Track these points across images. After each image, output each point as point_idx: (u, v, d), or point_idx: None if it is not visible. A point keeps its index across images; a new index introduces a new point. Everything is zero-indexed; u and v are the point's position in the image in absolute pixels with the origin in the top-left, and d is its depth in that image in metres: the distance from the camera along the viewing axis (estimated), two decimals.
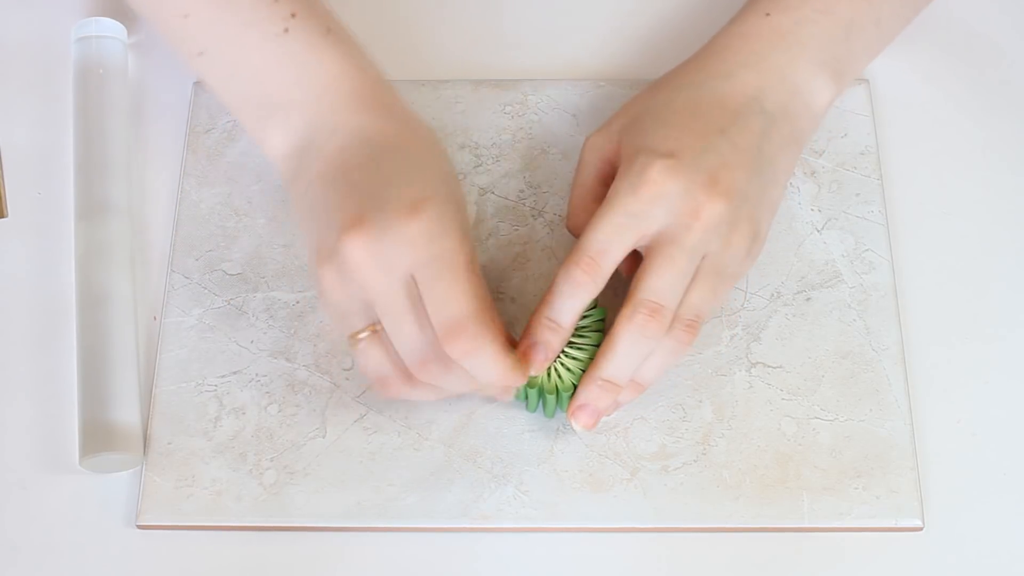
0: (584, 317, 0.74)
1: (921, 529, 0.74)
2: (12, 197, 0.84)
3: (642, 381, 0.73)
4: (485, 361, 0.67)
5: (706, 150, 0.71)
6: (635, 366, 0.71)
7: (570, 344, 0.73)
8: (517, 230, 0.82)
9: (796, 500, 0.74)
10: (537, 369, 0.71)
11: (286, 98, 0.72)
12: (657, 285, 0.70)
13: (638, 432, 0.76)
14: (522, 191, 0.83)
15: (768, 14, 0.76)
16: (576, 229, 0.76)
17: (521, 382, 0.70)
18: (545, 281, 0.80)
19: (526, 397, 0.74)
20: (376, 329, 0.69)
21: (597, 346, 0.73)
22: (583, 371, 0.73)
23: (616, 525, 0.74)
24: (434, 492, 0.74)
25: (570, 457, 0.75)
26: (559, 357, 0.73)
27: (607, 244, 0.70)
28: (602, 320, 0.74)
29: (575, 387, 0.73)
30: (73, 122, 0.85)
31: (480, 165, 0.84)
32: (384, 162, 0.69)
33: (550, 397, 0.73)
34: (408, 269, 0.66)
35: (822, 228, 0.81)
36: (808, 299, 0.79)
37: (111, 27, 0.87)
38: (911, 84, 0.87)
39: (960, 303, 0.80)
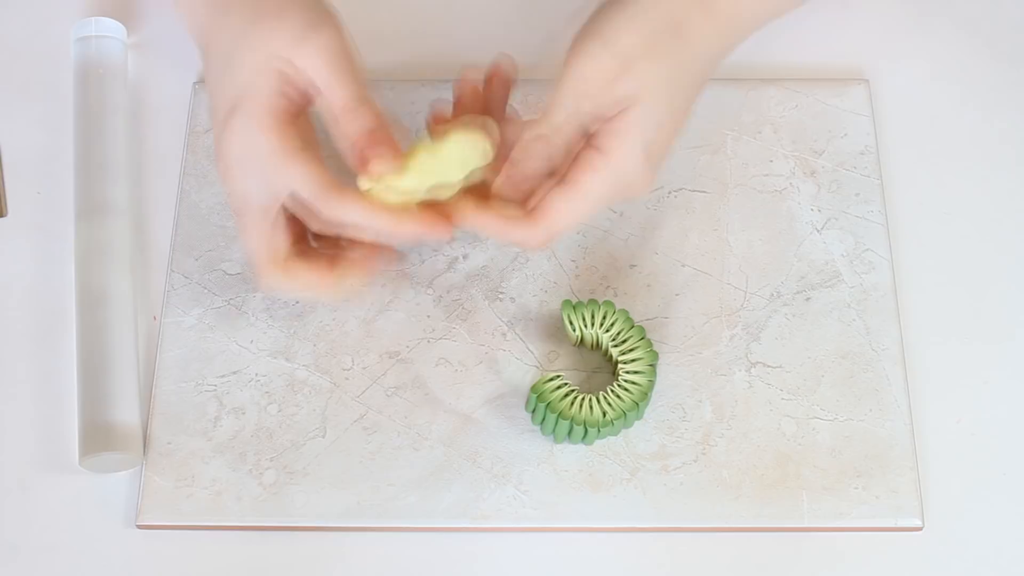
0: (629, 341, 0.75)
1: (921, 529, 0.74)
2: (12, 197, 0.84)
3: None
4: (360, 211, 0.70)
5: (668, 143, 0.74)
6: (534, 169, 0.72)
7: (617, 381, 0.74)
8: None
9: (796, 500, 0.74)
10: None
11: None
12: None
13: (638, 432, 0.76)
14: None
15: None
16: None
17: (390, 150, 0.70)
18: (545, 281, 0.80)
19: (543, 419, 0.74)
20: None
21: (643, 389, 0.74)
22: (625, 412, 0.73)
23: (616, 525, 0.74)
24: (434, 492, 0.74)
25: (570, 457, 0.75)
26: (604, 393, 0.74)
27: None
28: (651, 352, 0.75)
29: (611, 423, 0.73)
30: (73, 122, 0.85)
31: None
32: (222, 29, 0.73)
33: (577, 428, 0.73)
34: (258, 172, 0.71)
35: (822, 228, 0.81)
36: (808, 299, 0.79)
37: (111, 27, 0.87)
38: (911, 84, 0.87)
39: (960, 303, 0.80)
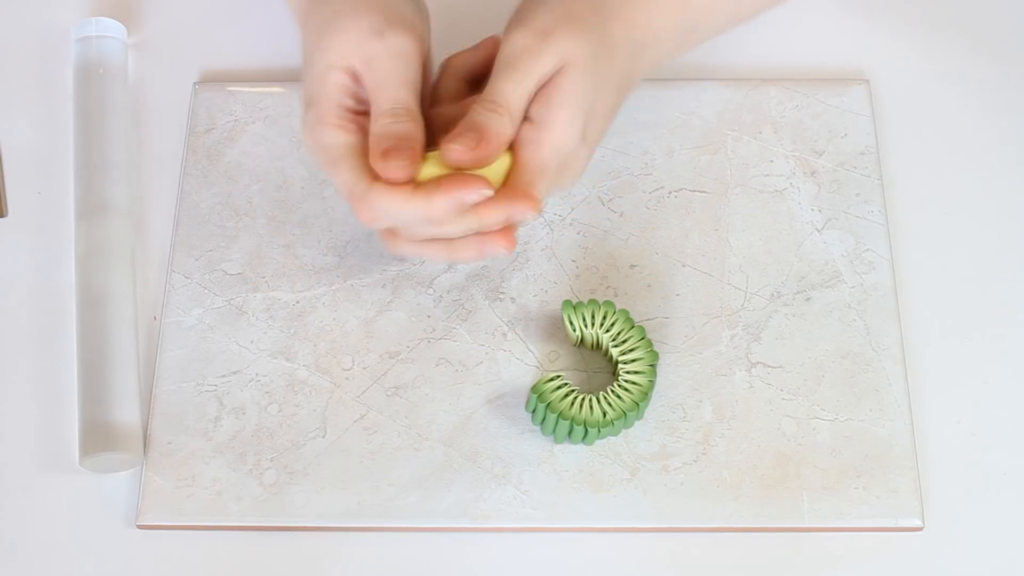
0: (629, 341, 0.75)
1: (921, 529, 0.74)
2: (12, 197, 0.84)
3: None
4: (393, 212, 0.70)
5: (604, 125, 0.75)
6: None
7: (617, 381, 0.74)
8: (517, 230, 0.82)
9: (796, 500, 0.74)
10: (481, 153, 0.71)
11: None
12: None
13: (638, 432, 0.76)
14: None
15: None
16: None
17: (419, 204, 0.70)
18: (545, 281, 0.80)
19: (543, 419, 0.74)
20: None
21: (643, 389, 0.74)
22: (625, 412, 0.73)
23: (616, 525, 0.74)
24: (434, 492, 0.74)
25: (570, 457, 0.75)
26: (604, 393, 0.74)
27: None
28: (651, 352, 0.75)
29: (611, 423, 0.73)
30: (73, 122, 0.85)
31: None
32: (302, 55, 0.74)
33: (577, 428, 0.73)
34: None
35: (822, 228, 0.81)
36: (808, 299, 0.79)
37: (111, 27, 0.87)
38: (911, 84, 0.87)
39: (960, 303, 0.80)
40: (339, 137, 0.71)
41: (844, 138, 0.84)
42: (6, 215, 0.84)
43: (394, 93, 0.71)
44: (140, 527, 0.74)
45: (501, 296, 0.80)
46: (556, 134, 0.71)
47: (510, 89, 0.71)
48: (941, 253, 0.81)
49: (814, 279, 0.80)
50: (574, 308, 0.76)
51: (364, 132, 0.72)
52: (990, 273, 0.81)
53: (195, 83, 0.87)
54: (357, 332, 0.79)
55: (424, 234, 0.72)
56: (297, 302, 0.80)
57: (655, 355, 0.75)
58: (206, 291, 0.80)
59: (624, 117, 0.85)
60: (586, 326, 0.76)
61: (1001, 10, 0.89)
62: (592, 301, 0.76)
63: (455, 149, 0.70)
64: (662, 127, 0.85)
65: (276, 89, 0.86)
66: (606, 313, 0.76)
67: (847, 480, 0.74)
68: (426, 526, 0.74)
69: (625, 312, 0.76)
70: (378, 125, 0.71)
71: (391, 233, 0.73)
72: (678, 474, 0.75)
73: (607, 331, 0.75)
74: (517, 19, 0.73)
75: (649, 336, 0.76)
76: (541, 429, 0.75)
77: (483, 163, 0.70)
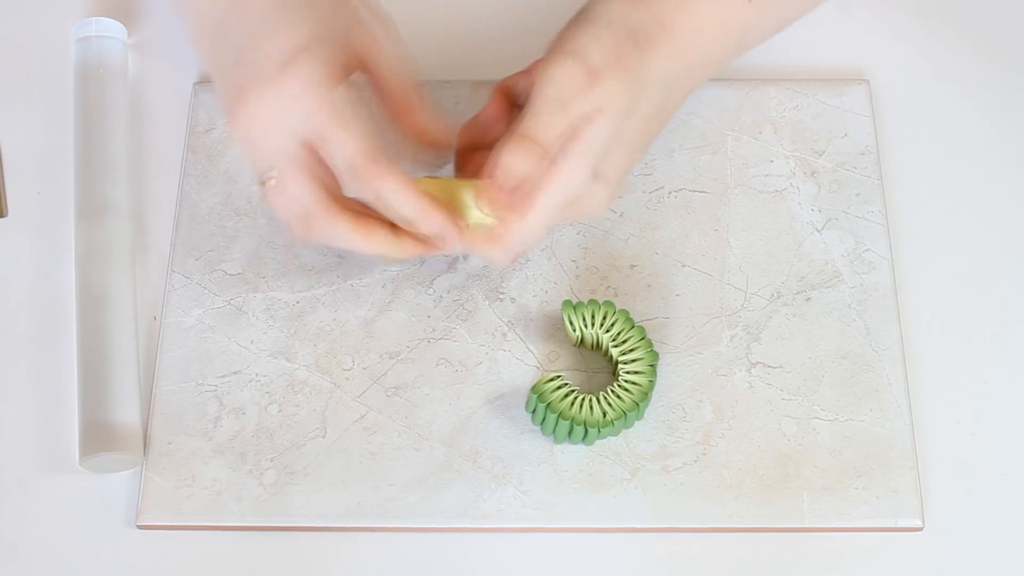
0: (629, 341, 0.75)
1: (921, 529, 0.74)
2: (12, 197, 0.84)
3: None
4: (390, 193, 0.70)
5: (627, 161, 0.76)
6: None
7: (617, 381, 0.74)
8: None
9: (796, 500, 0.74)
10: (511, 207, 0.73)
11: None
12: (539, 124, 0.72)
13: (638, 432, 0.76)
14: None
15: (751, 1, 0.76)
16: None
17: (436, 215, 0.71)
18: (545, 281, 0.80)
19: (543, 419, 0.74)
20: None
21: (643, 389, 0.74)
22: (625, 412, 0.73)
23: (616, 525, 0.74)
24: (434, 492, 0.74)
25: (570, 457, 0.75)
26: (604, 393, 0.74)
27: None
28: (651, 352, 0.75)
29: (611, 423, 0.73)
30: (73, 122, 0.85)
31: None
32: (249, 6, 0.72)
33: (577, 428, 0.73)
34: (294, 127, 0.70)
35: (822, 228, 0.81)
36: (808, 299, 0.79)
37: (111, 27, 0.87)
38: (911, 84, 0.86)
39: (960, 303, 0.80)
40: (350, 96, 0.71)
41: (844, 138, 0.84)
42: (6, 215, 0.84)
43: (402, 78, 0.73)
44: (140, 527, 0.74)
45: (501, 296, 0.80)
46: (567, 180, 0.71)
47: (556, 128, 0.71)
48: (941, 253, 0.81)
49: (814, 279, 0.80)
50: (574, 308, 0.76)
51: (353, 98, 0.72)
52: (990, 273, 0.81)
53: (195, 83, 0.87)
54: (357, 332, 0.79)
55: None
56: (297, 302, 0.80)
57: (655, 355, 0.75)
58: (206, 291, 0.80)
59: None
60: (586, 326, 0.76)
61: (1001, 10, 0.89)
62: (592, 301, 0.76)
63: (492, 199, 0.72)
64: None
65: None
66: (606, 313, 0.76)
67: (847, 480, 0.74)
68: (426, 526, 0.74)
69: (625, 312, 0.76)
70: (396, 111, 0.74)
71: (365, 213, 0.73)
72: (678, 474, 0.75)
73: (607, 331, 0.75)
74: (565, 46, 0.73)
75: (649, 336, 0.76)
76: (541, 429, 0.75)
77: (514, 210, 0.72)
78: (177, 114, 0.86)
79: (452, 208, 0.73)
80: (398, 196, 0.71)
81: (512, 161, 0.71)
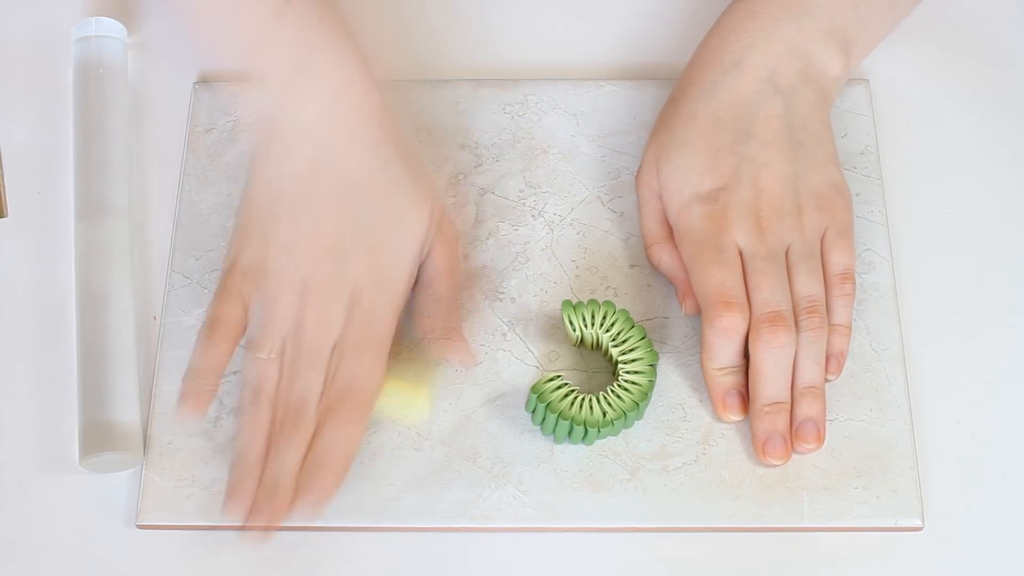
0: (629, 341, 0.75)
1: (921, 529, 0.74)
2: (12, 197, 0.84)
3: (811, 384, 0.74)
4: (345, 436, 0.72)
5: (740, 167, 0.74)
6: (785, 378, 0.73)
7: (617, 381, 0.74)
8: (517, 230, 0.82)
9: (796, 500, 0.74)
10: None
11: (289, 76, 0.74)
12: (761, 298, 0.73)
13: (638, 432, 0.76)
14: (522, 191, 0.83)
15: None
16: (660, 264, 0.79)
17: (333, 479, 0.72)
18: (545, 281, 0.80)
19: (543, 419, 0.74)
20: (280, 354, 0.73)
21: (643, 389, 0.74)
22: (625, 412, 0.73)
23: (616, 525, 0.74)
24: (434, 492, 0.74)
25: (570, 457, 0.75)
26: (604, 393, 0.74)
27: (722, 279, 0.73)
28: (651, 352, 0.75)
29: (611, 423, 0.73)
30: (73, 122, 0.85)
31: (480, 165, 0.84)
32: (350, 212, 0.74)
33: (577, 428, 0.73)
34: (335, 337, 0.73)
35: None
36: None
37: (111, 27, 0.87)
38: (911, 84, 0.86)
39: (960, 303, 0.80)
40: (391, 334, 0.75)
41: (844, 138, 0.84)
42: (6, 215, 0.83)
43: (450, 283, 0.77)
44: (140, 527, 0.74)
45: (501, 296, 0.80)
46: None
47: (644, 225, 0.80)
48: (941, 253, 0.81)
49: None
50: (574, 308, 0.76)
51: None
52: (990, 273, 0.81)
53: (195, 83, 0.87)
54: None
55: None
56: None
57: (655, 355, 0.75)
58: (206, 291, 0.80)
59: (624, 117, 0.85)
60: (586, 326, 0.76)
61: (1001, 11, 0.89)
62: (592, 301, 0.76)
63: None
64: None
65: None
66: (606, 313, 0.76)
67: (847, 480, 0.74)
68: (426, 526, 0.74)
69: (625, 312, 0.76)
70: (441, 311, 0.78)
71: None
72: (678, 474, 0.75)
73: (607, 331, 0.75)
74: (704, 188, 0.75)
75: (649, 336, 0.76)
76: (541, 429, 0.75)
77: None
78: (177, 114, 0.86)
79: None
80: (344, 446, 0.72)
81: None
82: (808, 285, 0.74)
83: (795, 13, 0.75)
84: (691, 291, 0.76)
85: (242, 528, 0.71)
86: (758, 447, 0.73)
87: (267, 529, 0.70)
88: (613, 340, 0.75)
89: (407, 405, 0.75)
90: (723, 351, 0.73)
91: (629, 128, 0.84)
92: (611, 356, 0.76)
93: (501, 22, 0.90)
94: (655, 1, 0.90)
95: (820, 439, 0.73)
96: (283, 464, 0.71)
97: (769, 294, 0.73)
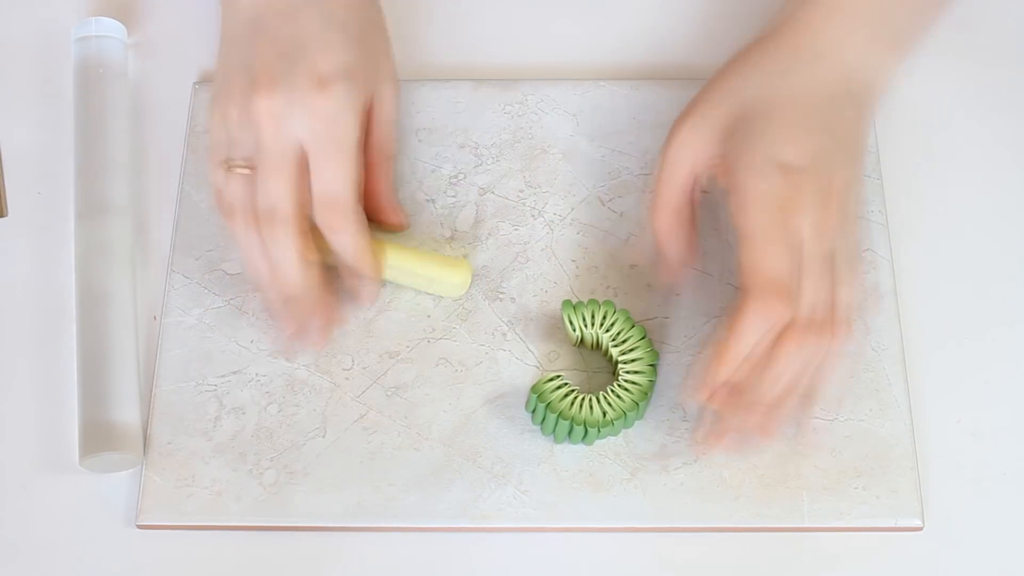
0: (629, 341, 0.75)
1: (921, 529, 0.74)
2: (12, 197, 0.84)
3: (803, 390, 0.72)
4: (348, 239, 0.74)
5: (819, 155, 0.71)
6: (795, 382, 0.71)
7: (617, 381, 0.74)
8: (517, 230, 0.82)
9: (796, 500, 0.74)
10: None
11: None
12: (811, 300, 0.70)
13: (638, 432, 0.76)
14: (522, 191, 0.83)
15: None
16: (661, 229, 0.75)
17: (372, 274, 0.76)
18: (545, 281, 0.80)
19: (543, 419, 0.74)
20: (252, 168, 0.73)
21: (643, 389, 0.74)
22: (625, 412, 0.73)
23: (616, 525, 0.74)
24: (434, 492, 0.74)
25: (570, 457, 0.75)
26: (604, 393, 0.74)
27: (782, 264, 0.69)
28: (651, 352, 0.75)
29: (611, 423, 0.73)
30: (73, 122, 0.85)
31: (480, 165, 0.84)
32: (304, 14, 0.74)
33: (577, 428, 0.73)
34: (302, 137, 0.73)
35: None
36: None
37: (111, 27, 0.87)
38: (911, 84, 0.86)
39: (960, 303, 0.80)
40: (359, 134, 0.75)
41: None
42: (6, 215, 0.84)
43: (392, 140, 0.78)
44: (140, 527, 0.74)
45: (501, 296, 0.80)
46: (743, 185, 0.71)
47: (661, 178, 0.75)
48: (941, 253, 0.81)
49: None
50: (574, 308, 0.76)
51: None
52: (990, 273, 0.81)
53: (195, 83, 0.87)
54: (357, 332, 0.79)
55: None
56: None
57: (655, 355, 0.75)
58: (206, 291, 0.80)
59: (624, 117, 0.85)
60: (586, 326, 0.76)
61: (1001, 11, 0.89)
62: (592, 301, 0.76)
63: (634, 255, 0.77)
64: (662, 127, 0.84)
65: None
66: (606, 313, 0.76)
67: (847, 480, 0.74)
68: (426, 526, 0.74)
69: (625, 312, 0.76)
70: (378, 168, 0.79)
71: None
72: (678, 474, 0.75)
73: (607, 331, 0.75)
74: (785, 156, 0.71)
75: (649, 336, 0.76)
76: (541, 429, 0.75)
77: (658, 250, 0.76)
78: (177, 114, 0.86)
79: (415, 280, 0.78)
80: (352, 248, 0.74)
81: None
82: (848, 294, 0.71)
83: (869, 19, 0.75)
84: (676, 266, 0.75)
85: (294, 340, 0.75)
86: (716, 435, 0.72)
87: (326, 329, 0.75)
88: (613, 340, 0.75)
89: (444, 277, 0.77)
90: (752, 336, 0.69)
91: (629, 128, 0.84)
92: (611, 356, 0.76)
93: (501, 22, 0.90)
94: (655, 1, 0.90)
95: (736, 447, 0.74)
96: (288, 273, 0.74)
97: (819, 299, 0.70)
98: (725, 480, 0.74)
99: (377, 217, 0.79)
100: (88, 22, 0.87)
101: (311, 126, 0.72)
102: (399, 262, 0.78)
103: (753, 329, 0.69)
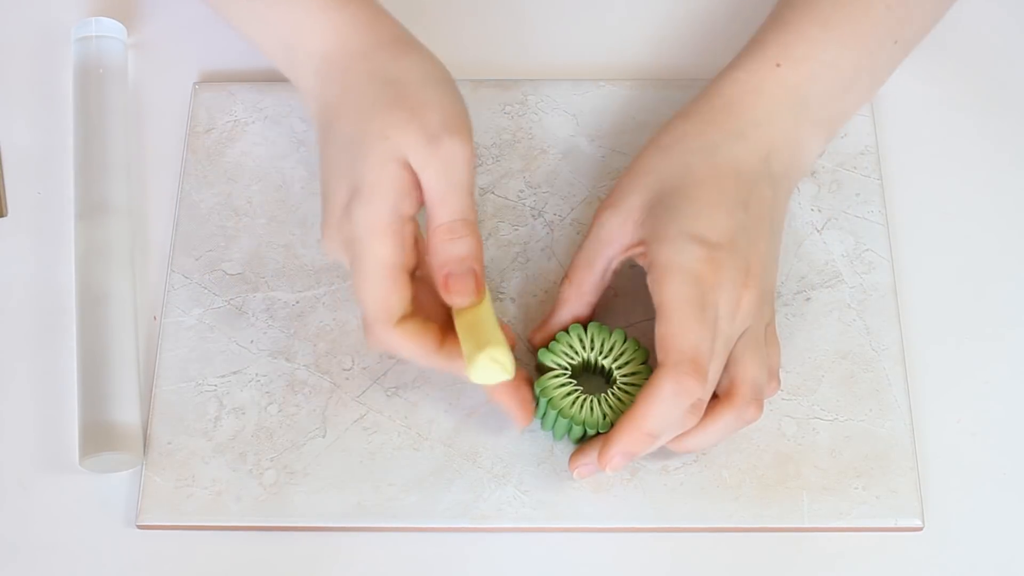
0: (625, 352, 0.74)
1: (921, 529, 0.74)
2: (12, 197, 0.84)
3: (689, 448, 0.72)
4: (409, 354, 0.70)
5: (737, 233, 0.71)
6: (672, 423, 0.70)
7: (618, 385, 0.74)
8: (517, 230, 0.82)
9: (796, 500, 0.74)
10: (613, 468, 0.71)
11: (301, 42, 0.74)
12: (750, 375, 0.71)
13: None
14: (522, 191, 0.83)
15: (778, 64, 0.75)
16: (570, 299, 0.75)
17: (452, 370, 0.71)
18: (545, 281, 0.80)
19: (544, 414, 0.74)
20: None
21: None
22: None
23: (616, 525, 0.74)
24: (434, 492, 0.74)
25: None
26: (605, 395, 0.73)
27: (700, 342, 0.68)
28: (646, 363, 0.74)
29: (609, 425, 0.73)
30: (73, 122, 0.85)
31: (480, 165, 0.84)
32: (330, 128, 0.72)
33: (576, 427, 0.73)
34: (343, 260, 0.71)
35: (822, 228, 0.81)
36: (808, 299, 0.79)
37: (111, 27, 0.87)
38: (911, 84, 0.86)
39: (960, 303, 0.80)
40: (388, 251, 0.69)
41: (844, 138, 0.84)
42: (6, 215, 0.84)
43: (451, 206, 0.69)
44: (140, 527, 0.74)
45: (501, 296, 0.80)
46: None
47: (576, 256, 0.74)
48: (941, 253, 0.81)
49: (814, 279, 0.80)
50: (554, 348, 0.75)
51: (412, 247, 0.70)
52: (990, 273, 0.81)
53: (195, 83, 0.87)
54: (357, 332, 0.79)
55: None
56: (297, 302, 0.80)
57: (645, 352, 0.74)
58: (206, 291, 0.80)
59: (624, 117, 0.85)
60: (578, 353, 0.75)
61: (1001, 11, 0.89)
62: (576, 327, 0.75)
63: (532, 338, 0.76)
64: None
65: (276, 89, 0.86)
66: (616, 342, 0.75)
67: (847, 480, 0.74)
68: (426, 526, 0.74)
69: (635, 342, 0.75)
70: (436, 241, 0.70)
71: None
72: (678, 474, 0.75)
73: (603, 355, 0.75)
74: (701, 232, 0.71)
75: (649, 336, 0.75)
76: (541, 424, 0.75)
77: (556, 330, 0.75)
78: (177, 114, 0.86)
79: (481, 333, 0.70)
80: (413, 357, 0.71)
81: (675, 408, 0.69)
82: (760, 372, 0.71)
83: (795, 102, 0.75)
84: (552, 325, 0.75)
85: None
86: (602, 462, 0.71)
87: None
88: (605, 357, 0.75)
89: (469, 359, 0.70)
90: (662, 409, 0.68)
91: (629, 128, 0.84)
92: (603, 366, 0.75)
93: (501, 22, 0.90)
94: (655, 1, 0.90)
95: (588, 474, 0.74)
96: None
97: (755, 375, 0.71)
98: (725, 480, 0.74)
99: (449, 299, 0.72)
100: (88, 22, 0.87)
101: (342, 253, 0.71)
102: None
103: (664, 403, 0.68)
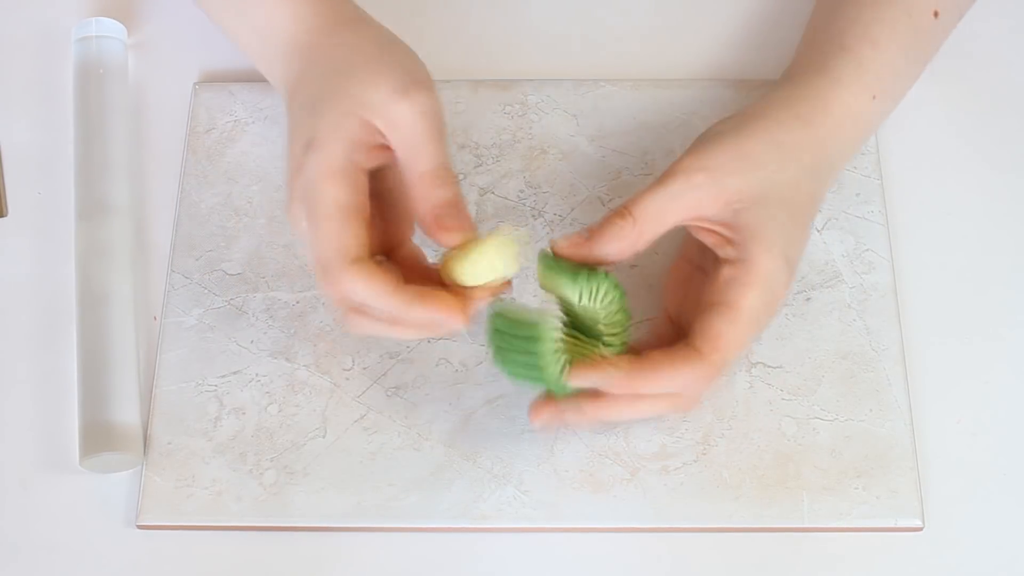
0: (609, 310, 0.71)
1: (921, 529, 0.74)
2: (12, 197, 0.84)
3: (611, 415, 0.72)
4: (367, 293, 0.67)
5: (799, 261, 0.73)
6: (662, 401, 0.71)
7: (603, 339, 0.72)
8: (517, 230, 0.82)
9: (796, 500, 0.74)
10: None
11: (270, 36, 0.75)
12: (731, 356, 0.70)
13: (638, 432, 0.76)
14: (522, 191, 0.83)
15: (875, 97, 0.75)
16: (625, 239, 0.71)
17: (411, 314, 0.68)
18: None
19: (510, 350, 0.70)
20: None
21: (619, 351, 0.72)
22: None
23: (616, 525, 0.74)
24: (434, 492, 0.74)
25: (570, 457, 0.75)
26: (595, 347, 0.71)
27: (744, 349, 0.71)
28: (626, 319, 0.72)
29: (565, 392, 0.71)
30: (73, 122, 0.85)
31: (480, 165, 0.84)
32: (295, 98, 0.73)
33: (541, 384, 0.70)
34: (304, 222, 0.69)
35: (822, 228, 0.81)
36: (808, 299, 0.79)
37: (111, 27, 0.87)
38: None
39: (960, 303, 0.80)
40: (340, 192, 0.68)
41: None
42: (6, 215, 0.84)
43: (432, 154, 0.69)
44: (140, 527, 0.74)
45: (501, 296, 0.80)
46: (766, 274, 0.70)
47: (647, 200, 0.70)
48: (941, 253, 0.81)
49: (814, 279, 0.80)
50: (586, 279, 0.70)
51: (365, 195, 0.69)
52: (990, 273, 0.81)
53: (195, 83, 0.87)
54: None
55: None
56: (297, 302, 0.80)
57: (628, 328, 0.72)
58: (206, 291, 0.80)
59: (624, 117, 0.85)
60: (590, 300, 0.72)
61: (1001, 12, 0.89)
62: (590, 274, 0.71)
63: (561, 245, 0.70)
64: (662, 127, 0.85)
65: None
66: (606, 289, 0.71)
67: (847, 480, 0.74)
68: (426, 526, 0.74)
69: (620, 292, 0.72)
70: (422, 189, 0.69)
71: (356, 309, 0.70)
72: (678, 474, 0.75)
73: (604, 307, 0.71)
74: (790, 254, 0.71)
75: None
76: (493, 357, 0.71)
77: (589, 258, 0.70)
78: (177, 114, 0.86)
79: (477, 273, 0.69)
80: (372, 298, 0.68)
81: (603, 239, 0.70)
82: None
83: (871, 130, 0.77)
84: (592, 250, 0.71)
85: None
86: (571, 416, 0.71)
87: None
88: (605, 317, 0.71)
89: (498, 254, 0.69)
90: (669, 382, 0.69)
91: (629, 128, 0.84)
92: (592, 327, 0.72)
93: (501, 22, 0.90)
94: (654, 2, 0.90)
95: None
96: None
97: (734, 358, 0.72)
98: (725, 480, 0.74)
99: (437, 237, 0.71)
100: (88, 22, 0.87)
101: (301, 200, 0.70)
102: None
103: (676, 379, 0.69)
